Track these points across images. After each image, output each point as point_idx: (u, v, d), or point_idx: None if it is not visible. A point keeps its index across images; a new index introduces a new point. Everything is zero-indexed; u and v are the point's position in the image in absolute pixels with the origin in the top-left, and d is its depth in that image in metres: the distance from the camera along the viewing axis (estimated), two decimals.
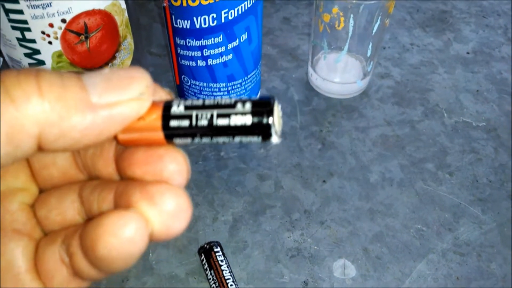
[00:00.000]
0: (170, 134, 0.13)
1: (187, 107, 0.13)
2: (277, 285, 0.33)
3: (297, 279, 0.34)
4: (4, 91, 0.12)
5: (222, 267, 0.32)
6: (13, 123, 0.12)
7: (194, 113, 0.13)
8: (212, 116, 0.13)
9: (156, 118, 0.13)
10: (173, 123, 0.13)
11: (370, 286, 0.34)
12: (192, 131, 0.13)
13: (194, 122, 0.13)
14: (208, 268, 0.32)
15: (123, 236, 0.12)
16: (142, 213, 0.13)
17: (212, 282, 0.32)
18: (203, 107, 0.13)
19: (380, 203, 0.38)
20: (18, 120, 0.12)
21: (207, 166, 0.40)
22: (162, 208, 0.13)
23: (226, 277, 0.32)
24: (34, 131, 0.12)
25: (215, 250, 0.33)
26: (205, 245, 0.33)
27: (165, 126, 0.13)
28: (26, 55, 0.34)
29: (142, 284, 0.33)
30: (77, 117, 0.12)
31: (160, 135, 0.13)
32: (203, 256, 0.33)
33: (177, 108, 0.13)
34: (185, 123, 0.13)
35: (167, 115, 0.13)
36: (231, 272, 0.32)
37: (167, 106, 0.13)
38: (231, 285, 0.31)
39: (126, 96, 0.13)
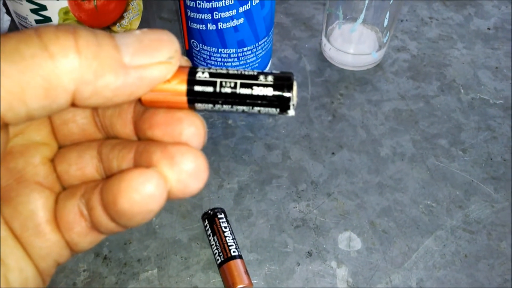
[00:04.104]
0: (193, 99, 0.14)
1: (212, 74, 0.14)
2: (280, 254, 0.33)
3: (301, 249, 0.33)
4: (42, 46, 0.12)
5: (225, 234, 0.32)
6: (51, 78, 0.12)
7: (218, 80, 0.14)
8: (235, 84, 0.14)
9: (181, 81, 0.14)
10: (198, 88, 0.14)
11: (376, 260, 0.33)
12: (215, 98, 0.14)
13: (218, 89, 0.14)
14: (211, 234, 0.32)
15: (144, 192, 0.13)
16: (162, 172, 0.13)
17: (215, 248, 0.31)
18: (227, 75, 0.14)
19: (390, 178, 0.37)
20: (55, 75, 0.12)
21: (214, 134, 0.40)
22: (182, 167, 0.13)
23: (229, 244, 0.31)
24: (70, 87, 0.12)
25: (219, 216, 0.33)
26: (209, 211, 0.33)
27: (190, 90, 0.14)
28: (32, 11, 0.33)
29: (145, 247, 0.33)
30: (111, 77, 0.12)
31: (183, 98, 0.14)
32: (206, 222, 0.33)
33: (202, 74, 0.14)
34: (209, 89, 0.14)
35: (192, 79, 0.14)
36: (234, 239, 0.32)
37: (193, 71, 0.14)
38: (233, 251, 0.31)
39: (156, 59, 0.13)
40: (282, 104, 0.14)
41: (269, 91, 0.14)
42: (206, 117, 0.41)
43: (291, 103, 0.14)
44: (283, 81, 0.14)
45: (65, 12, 0.33)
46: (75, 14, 0.33)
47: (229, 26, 0.36)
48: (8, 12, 0.45)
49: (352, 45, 0.44)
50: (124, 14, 0.36)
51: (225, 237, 0.32)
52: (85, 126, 0.17)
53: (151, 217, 0.14)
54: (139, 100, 0.14)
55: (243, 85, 0.14)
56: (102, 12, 0.34)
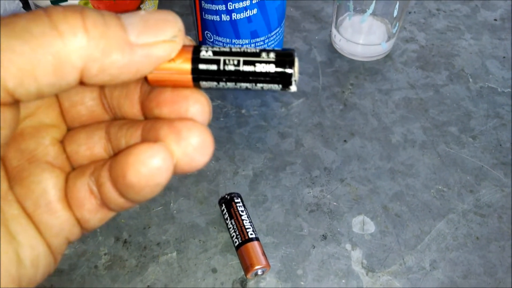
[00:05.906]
0: (198, 77, 0.14)
1: (215, 53, 0.14)
2: (296, 237, 0.34)
3: (316, 233, 0.34)
4: (51, 25, 0.12)
5: (243, 217, 0.33)
6: (60, 56, 0.12)
7: (222, 58, 0.14)
8: (239, 62, 0.14)
9: (186, 60, 0.14)
10: (202, 66, 0.14)
11: (389, 242, 0.34)
12: (219, 75, 0.14)
13: (221, 67, 0.14)
14: (228, 217, 0.33)
15: (151, 165, 0.13)
16: (168, 146, 0.14)
17: (232, 231, 0.32)
18: (231, 53, 0.14)
19: (401, 164, 0.38)
20: (64, 53, 0.12)
21: (228, 123, 0.41)
22: (189, 141, 0.14)
23: (246, 227, 0.32)
24: (78, 64, 0.12)
25: (236, 200, 0.33)
26: (226, 196, 0.34)
27: (194, 68, 0.14)
28: (53, 2, 0.34)
29: (164, 231, 0.34)
30: (117, 55, 0.13)
31: (188, 76, 0.14)
32: (223, 206, 0.34)
33: (206, 53, 0.14)
34: (213, 67, 0.14)
35: (196, 58, 0.14)
36: (251, 222, 0.33)
37: (196, 50, 0.14)
38: (251, 234, 0.32)
39: (161, 38, 0.13)
40: (284, 80, 0.14)
41: (272, 68, 0.14)
42: (220, 106, 0.42)
43: (293, 79, 0.14)
44: (284, 58, 0.14)
45: (84, 3, 0.34)
46: (94, 5, 0.34)
47: (243, 16, 0.37)
48: (24, 6, 0.46)
49: (362, 35, 0.44)
50: (141, 6, 0.37)
51: (242, 220, 0.32)
52: (93, 108, 0.17)
53: (158, 191, 0.14)
54: (146, 80, 0.15)
55: (246, 63, 0.14)
56: (120, 3, 0.35)
